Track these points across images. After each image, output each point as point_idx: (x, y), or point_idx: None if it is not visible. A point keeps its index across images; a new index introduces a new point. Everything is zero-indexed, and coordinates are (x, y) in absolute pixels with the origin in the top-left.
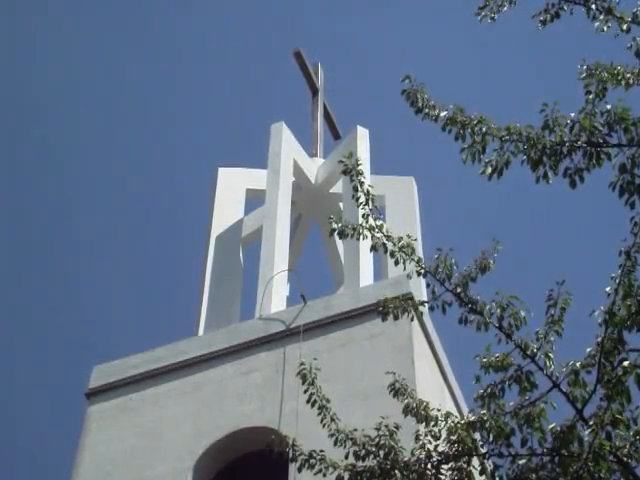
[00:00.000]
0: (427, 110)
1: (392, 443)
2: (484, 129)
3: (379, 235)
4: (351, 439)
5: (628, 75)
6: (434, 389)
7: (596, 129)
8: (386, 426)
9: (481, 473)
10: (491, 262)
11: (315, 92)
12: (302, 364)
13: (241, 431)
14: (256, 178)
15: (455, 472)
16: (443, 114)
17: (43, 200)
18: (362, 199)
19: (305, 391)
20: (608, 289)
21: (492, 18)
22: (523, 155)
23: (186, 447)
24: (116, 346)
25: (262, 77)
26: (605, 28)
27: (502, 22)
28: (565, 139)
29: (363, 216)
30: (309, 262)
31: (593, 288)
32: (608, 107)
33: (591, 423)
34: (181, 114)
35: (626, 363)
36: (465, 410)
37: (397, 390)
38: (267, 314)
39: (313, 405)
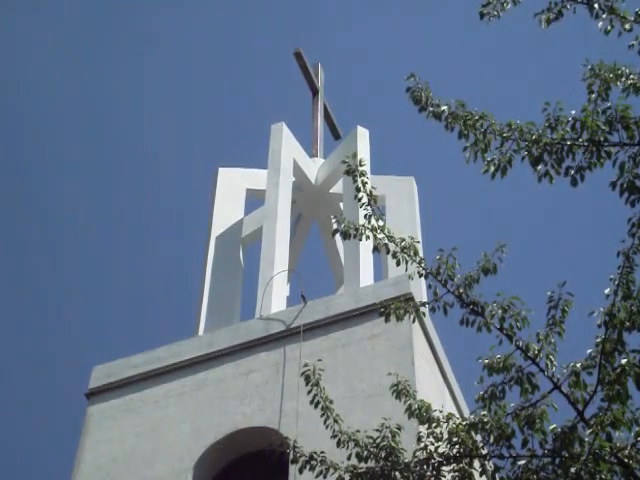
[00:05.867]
0: (431, 108)
1: (393, 444)
2: (485, 125)
3: (381, 236)
4: (354, 440)
5: (632, 77)
6: (434, 389)
7: (598, 127)
8: (387, 427)
9: (482, 474)
10: (496, 264)
11: (315, 92)
12: (306, 365)
13: (241, 431)
14: (256, 178)
15: (456, 473)
16: (444, 108)
17: (43, 200)
18: (364, 199)
19: (309, 392)
20: (607, 291)
21: (495, 16)
22: (524, 152)
23: (186, 447)
24: (116, 346)
25: (262, 77)
26: (608, 27)
27: (504, 21)
28: (567, 137)
29: (365, 217)
30: (309, 262)
31: (594, 289)
32: (608, 105)
33: (592, 424)
34: (181, 114)
35: (624, 361)
36: (465, 410)
37: (400, 391)
38: (267, 314)
39: (316, 406)
